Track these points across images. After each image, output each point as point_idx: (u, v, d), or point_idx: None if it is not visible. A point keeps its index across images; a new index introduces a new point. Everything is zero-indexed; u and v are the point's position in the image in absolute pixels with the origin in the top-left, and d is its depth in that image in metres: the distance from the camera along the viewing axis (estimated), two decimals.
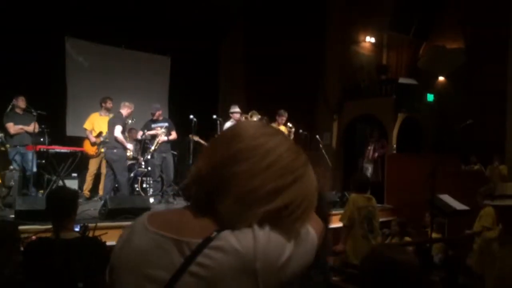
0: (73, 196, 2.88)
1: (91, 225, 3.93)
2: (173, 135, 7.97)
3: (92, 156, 7.98)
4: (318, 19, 11.70)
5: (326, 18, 11.83)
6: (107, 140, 7.44)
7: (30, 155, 6.97)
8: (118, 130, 7.18)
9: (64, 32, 9.74)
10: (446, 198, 4.86)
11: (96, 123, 7.98)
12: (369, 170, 10.11)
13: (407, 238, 6.24)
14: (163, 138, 7.96)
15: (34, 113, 6.98)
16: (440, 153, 9.10)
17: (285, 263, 0.84)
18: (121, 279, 0.88)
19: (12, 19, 8.57)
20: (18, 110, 7.17)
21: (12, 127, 7.02)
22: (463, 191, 5.61)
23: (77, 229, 3.08)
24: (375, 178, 9.88)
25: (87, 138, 7.97)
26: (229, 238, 0.83)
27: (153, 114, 8.07)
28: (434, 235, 5.14)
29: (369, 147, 10.19)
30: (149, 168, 8.34)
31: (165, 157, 7.96)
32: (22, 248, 2.85)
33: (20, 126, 7.08)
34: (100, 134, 7.89)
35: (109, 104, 7.92)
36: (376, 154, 10.02)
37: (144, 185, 8.74)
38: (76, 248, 2.74)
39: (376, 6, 11.31)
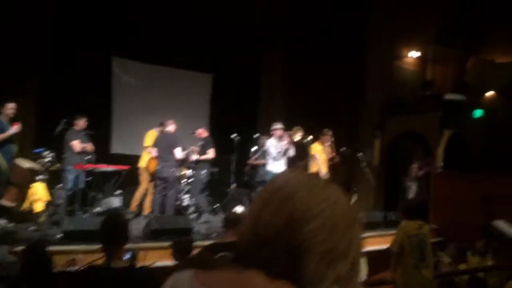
0: (126, 225, 2.89)
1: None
2: (209, 153, 7.98)
3: (150, 173, 8.07)
4: (359, 33, 11.55)
5: (368, 32, 11.65)
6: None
7: (83, 174, 7.15)
8: (179, 151, 7.43)
9: (110, 52, 10.03)
10: (502, 225, 4.60)
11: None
12: (412, 188, 9.79)
13: (463, 265, 5.98)
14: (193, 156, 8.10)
15: (91, 133, 7.24)
16: (491, 172, 8.70)
17: None
18: None
19: (59, 39, 8.91)
20: (77, 129, 7.38)
21: (78, 145, 7.21)
22: None
23: (127, 256, 3.09)
24: (419, 197, 9.57)
25: (148, 154, 8.02)
26: None
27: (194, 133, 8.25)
28: (489, 262, 4.87)
29: (413, 165, 9.88)
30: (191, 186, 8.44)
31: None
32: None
33: (83, 145, 7.29)
34: None
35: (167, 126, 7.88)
36: (421, 172, 9.70)
37: (185, 203, 8.80)
38: (126, 278, 2.74)
39: (421, 19, 11.04)
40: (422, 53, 11.57)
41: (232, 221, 3.72)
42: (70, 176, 7.08)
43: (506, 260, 4.57)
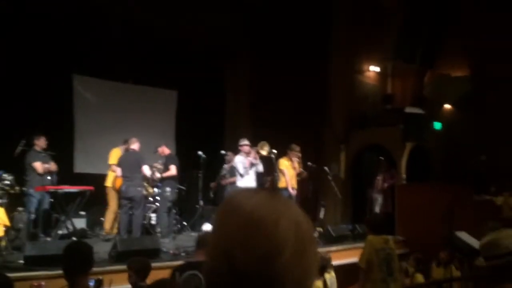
0: (90, 252, 2.82)
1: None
2: (171, 170, 7.92)
3: (117, 191, 7.88)
4: (322, 48, 11.80)
5: (330, 47, 11.92)
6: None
7: (46, 196, 6.92)
8: (147, 168, 7.32)
9: (71, 69, 9.83)
10: (464, 236, 4.76)
11: None
12: (378, 200, 10.01)
13: (418, 276, 6.12)
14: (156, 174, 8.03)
15: (52, 153, 7.05)
16: (450, 183, 9.00)
17: None
18: None
19: (19, 57, 8.67)
20: (38, 149, 7.14)
21: (40, 167, 6.95)
22: (475, 222, 5.50)
23: (91, 284, 3.01)
24: (385, 209, 9.77)
25: (113, 172, 7.84)
26: None
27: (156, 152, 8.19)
28: (454, 272, 5.01)
29: (378, 177, 10.10)
30: (158, 204, 8.33)
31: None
32: None
33: (47, 166, 7.05)
34: None
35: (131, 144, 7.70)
36: (386, 185, 9.92)
37: (152, 221, 8.68)
38: None
39: (380, 35, 11.40)
40: (382, 68, 11.92)
41: (204, 242, 3.69)
42: (33, 199, 6.83)
43: (471, 270, 4.72)
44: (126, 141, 7.93)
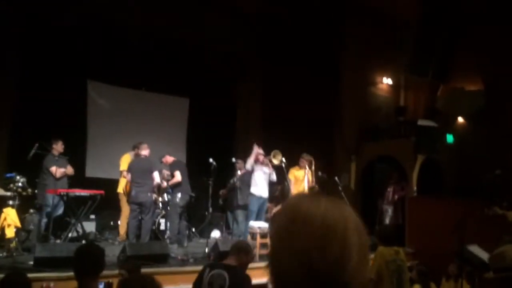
0: (101, 255, 2.83)
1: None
2: (176, 176, 7.95)
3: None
4: (334, 59, 11.82)
5: (342, 58, 11.93)
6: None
7: (61, 201, 7.02)
8: (157, 175, 7.43)
9: (85, 75, 9.95)
10: (475, 249, 4.70)
11: None
12: (388, 212, 9.93)
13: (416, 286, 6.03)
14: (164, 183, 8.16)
15: (65, 157, 7.18)
16: (462, 197, 8.90)
17: None
18: None
19: (35, 62, 8.82)
20: (55, 153, 7.25)
21: (58, 171, 7.09)
22: (487, 236, 5.43)
23: (101, 286, 3.03)
24: (395, 221, 9.69)
25: (125, 179, 7.94)
26: None
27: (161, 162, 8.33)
28: (465, 286, 4.94)
29: (388, 189, 10.03)
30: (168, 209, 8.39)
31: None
32: None
33: (63, 170, 7.16)
34: None
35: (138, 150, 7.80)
36: (396, 197, 9.85)
37: (161, 227, 8.71)
38: None
39: (394, 47, 11.39)
40: (395, 80, 11.90)
41: (239, 249, 3.88)
42: (50, 202, 6.92)
43: (481, 284, 4.65)
44: (135, 147, 7.99)
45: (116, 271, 5.38)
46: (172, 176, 8.01)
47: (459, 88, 11.09)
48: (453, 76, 11.51)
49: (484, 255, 4.62)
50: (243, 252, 3.85)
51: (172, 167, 8.11)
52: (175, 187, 7.96)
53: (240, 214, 8.20)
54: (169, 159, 8.30)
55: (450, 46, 11.35)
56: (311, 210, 0.93)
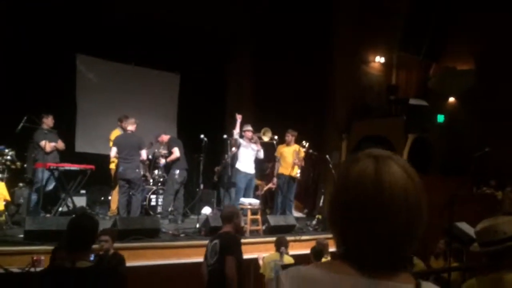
0: (95, 228, 2.80)
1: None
2: (174, 152, 7.90)
3: None
4: (325, 37, 11.72)
5: (333, 36, 11.83)
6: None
7: (48, 173, 6.96)
8: (145, 153, 7.39)
9: (74, 49, 9.78)
10: (464, 226, 4.75)
11: None
12: None
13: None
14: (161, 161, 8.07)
15: (54, 131, 7.10)
16: (450, 176, 8.99)
17: None
18: None
19: (23, 36, 8.63)
20: (45, 128, 7.16)
21: (48, 145, 7.01)
22: (475, 214, 5.50)
23: (91, 259, 3.01)
24: None
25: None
26: None
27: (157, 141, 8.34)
28: (453, 263, 5.00)
29: None
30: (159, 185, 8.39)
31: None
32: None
33: (54, 144, 7.08)
34: None
35: (124, 124, 7.80)
36: None
37: (152, 203, 8.71)
38: (91, 277, 2.66)
39: (386, 26, 11.31)
40: (387, 59, 11.85)
41: (230, 216, 4.26)
42: (39, 177, 6.86)
43: (469, 260, 4.71)
44: (120, 120, 7.91)
45: None
46: (170, 153, 7.96)
47: (451, 67, 11.10)
48: (445, 55, 11.50)
49: (472, 232, 4.68)
50: (235, 215, 4.27)
51: (170, 144, 8.04)
52: (173, 163, 7.92)
53: (233, 191, 8.22)
54: (165, 137, 8.23)
55: (443, 25, 11.31)
56: (391, 182, 0.95)
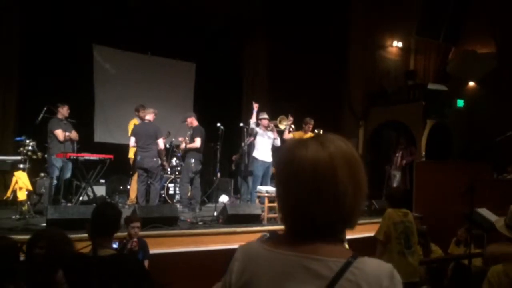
0: (118, 216, 2.85)
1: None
2: (196, 142, 7.92)
3: None
4: (343, 23, 11.57)
5: (350, 20, 11.67)
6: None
7: (68, 163, 7.07)
8: (162, 142, 7.40)
9: (91, 40, 9.85)
10: (485, 212, 4.69)
11: None
12: (396, 177, 9.93)
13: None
14: (182, 145, 8.09)
15: (73, 121, 7.17)
16: (470, 161, 8.85)
17: None
18: None
19: (40, 27, 8.72)
20: (60, 117, 7.27)
21: (61, 134, 7.11)
22: (496, 201, 5.41)
23: (115, 246, 3.06)
24: (403, 186, 9.69)
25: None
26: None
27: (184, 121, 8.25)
28: (473, 250, 4.95)
29: (397, 154, 9.99)
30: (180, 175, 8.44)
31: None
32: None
33: (67, 133, 7.18)
34: None
35: (141, 113, 7.85)
36: (404, 162, 9.82)
37: (170, 192, 8.80)
38: (113, 266, 2.71)
39: (403, 10, 11.10)
40: (405, 43, 11.65)
41: None
42: (55, 166, 6.99)
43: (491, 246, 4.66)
44: (137, 109, 7.97)
45: (125, 232, 5.48)
46: (192, 140, 7.97)
47: (471, 51, 10.84)
48: (465, 38, 11.24)
49: (493, 218, 4.62)
50: None
51: (195, 131, 8.03)
52: (190, 151, 7.95)
53: (250, 179, 8.24)
54: (194, 122, 8.21)
55: (463, 7, 11.03)
56: (301, 156, 1.03)
